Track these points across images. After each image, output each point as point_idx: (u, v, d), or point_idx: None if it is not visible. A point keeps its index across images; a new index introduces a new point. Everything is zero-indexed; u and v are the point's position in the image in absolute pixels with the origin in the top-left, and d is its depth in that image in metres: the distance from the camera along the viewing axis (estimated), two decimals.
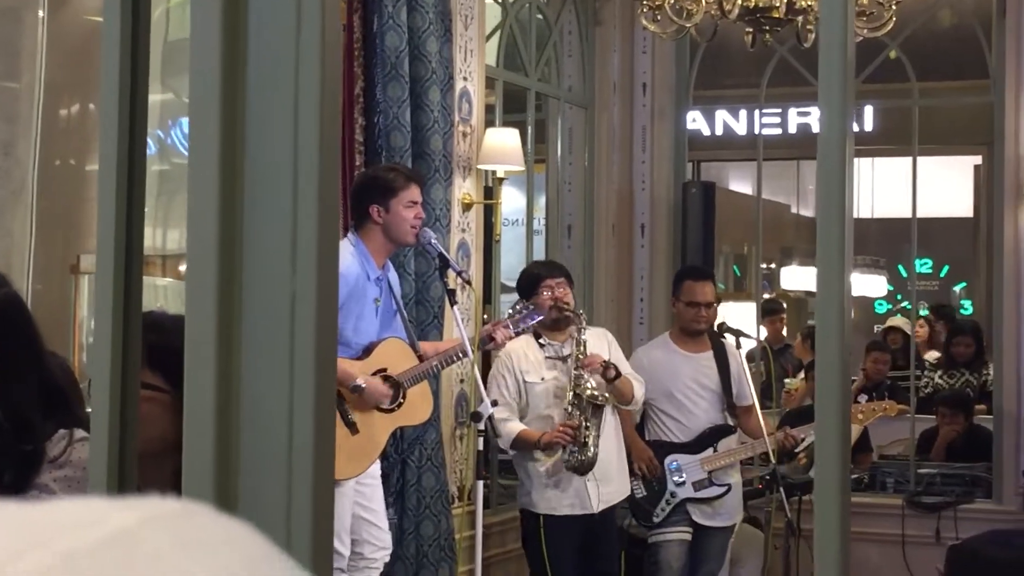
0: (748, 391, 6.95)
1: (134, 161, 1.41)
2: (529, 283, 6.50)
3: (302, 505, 1.27)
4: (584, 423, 6.31)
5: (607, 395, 6.39)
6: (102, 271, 1.39)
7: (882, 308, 15.94)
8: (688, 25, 5.80)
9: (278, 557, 0.64)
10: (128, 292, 1.41)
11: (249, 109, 1.30)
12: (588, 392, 6.29)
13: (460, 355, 5.66)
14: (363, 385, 5.25)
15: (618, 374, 6.43)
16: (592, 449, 6.32)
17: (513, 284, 10.32)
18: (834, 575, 1.28)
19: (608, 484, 6.51)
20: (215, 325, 1.28)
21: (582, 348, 6.40)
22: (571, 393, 6.34)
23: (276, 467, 1.27)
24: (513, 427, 6.33)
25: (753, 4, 5.63)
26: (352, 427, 5.28)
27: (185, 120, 7.11)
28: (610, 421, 6.51)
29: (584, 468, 6.34)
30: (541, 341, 6.48)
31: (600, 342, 6.59)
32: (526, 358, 6.44)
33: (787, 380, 10.09)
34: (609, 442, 6.48)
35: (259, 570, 0.62)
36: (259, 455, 1.28)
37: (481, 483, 5.81)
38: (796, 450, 7.28)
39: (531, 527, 6.46)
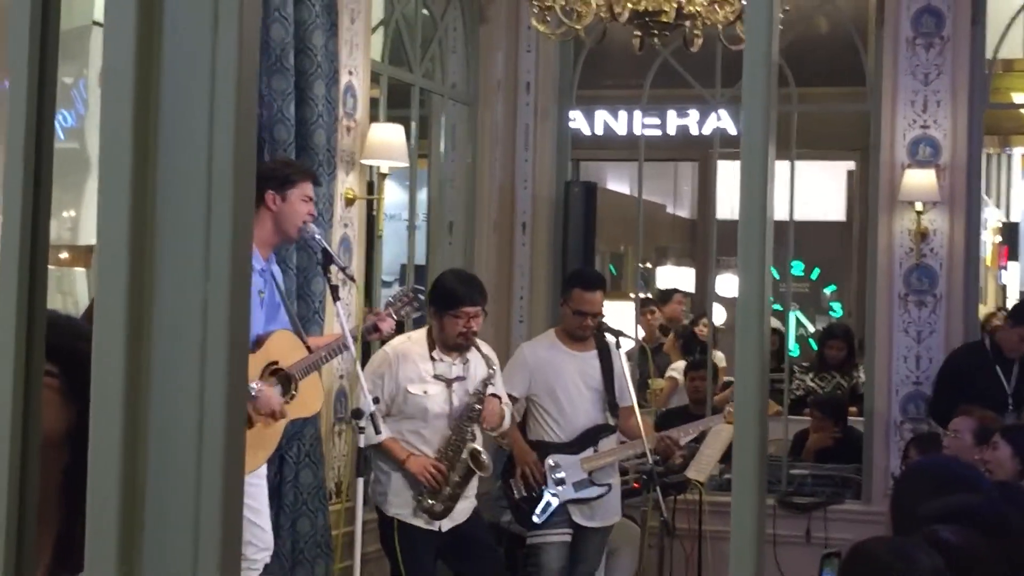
0: (628, 392, 6.98)
1: (42, 153, 1.37)
2: (447, 300, 6.34)
3: (211, 511, 1.25)
4: (453, 476, 6.30)
5: (485, 460, 6.38)
6: (7, 259, 1.35)
7: None
8: (578, 27, 5.81)
9: None
10: (33, 286, 1.37)
11: (163, 108, 1.27)
12: (468, 451, 6.28)
13: (343, 348, 5.62)
14: (256, 392, 5.19)
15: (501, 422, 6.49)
16: (444, 505, 6.30)
17: (394, 279, 10.28)
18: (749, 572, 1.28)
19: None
20: (124, 331, 1.24)
21: (480, 398, 6.37)
22: (451, 441, 6.33)
23: (185, 476, 1.25)
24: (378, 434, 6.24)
25: (643, 8, 5.66)
26: (248, 420, 5.21)
27: (64, 111, 6.96)
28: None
29: (433, 516, 6.31)
30: (434, 355, 6.37)
31: (482, 363, 6.51)
32: (415, 367, 6.32)
33: (650, 380, 10.09)
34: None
35: None
36: (167, 463, 1.25)
37: (361, 480, 5.77)
38: (681, 446, 7.31)
39: (386, 527, 6.40)
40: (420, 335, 6.42)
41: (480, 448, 6.37)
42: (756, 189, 1.29)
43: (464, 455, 6.30)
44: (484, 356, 6.48)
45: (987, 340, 8.06)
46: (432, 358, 6.35)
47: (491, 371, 6.44)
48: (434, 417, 6.33)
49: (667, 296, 11.54)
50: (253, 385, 5.17)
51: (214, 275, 1.26)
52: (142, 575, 1.24)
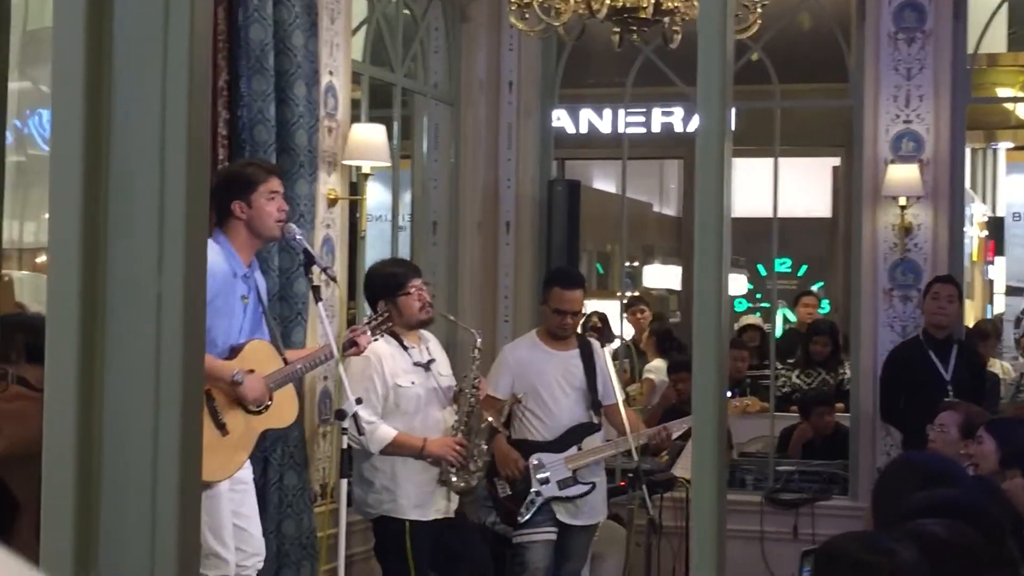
0: (613, 390, 6.97)
1: None
2: (393, 284, 6.34)
3: (167, 515, 1.23)
4: (480, 445, 6.33)
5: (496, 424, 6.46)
6: None
7: (741, 306, 16.17)
8: (556, 24, 5.80)
9: None
10: None
11: (115, 103, 1.25)
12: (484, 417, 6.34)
13: (324, 357, 5.62)
14: (241, 379, 5.18)
15: None
16: (476, 477, 6.35)
17: None
18: (711, 568, 1.27)
19: None
20: (77, 327, 1.23)
21: (475, 368, 6.44)
22: (465, 414, 6.35)
23: (140, 478, 1.23)
24: (386, 432, 6.18)
25: (621, 4, 5.65)
26: (222, 428, 5.21)
27: (44, 111, 6.98)
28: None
29: (467, 492, 6.33)
30: (405, 344, 6.37)
31: (440, 350, 6.63)
32: (395, 362, 6.30)
33: (628, 389, 10.03)
34: None
35: None
36: (122, 465, 1.23)
37: (345, 481, 5.75)
38: (673, 437, 7.26)
39: (394, 533, 6.28)
40: (385, 338, 6.36)
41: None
42: (712, 188, 1.28)
43: (482, 422, 6.32)
44: (450, 320, 6.56)
45: (921, 333, 8.09)
46: (404, 347, 6.36)
47: (475, 333, 6.56)
48: (427, 403, 6.34)
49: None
50: (239, 376, 5.16)
51: (167, 270, 1.24)
52: None
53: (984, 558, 2.91)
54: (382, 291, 6.34)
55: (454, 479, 6.30)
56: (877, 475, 8.12)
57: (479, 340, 6.54)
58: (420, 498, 6.30)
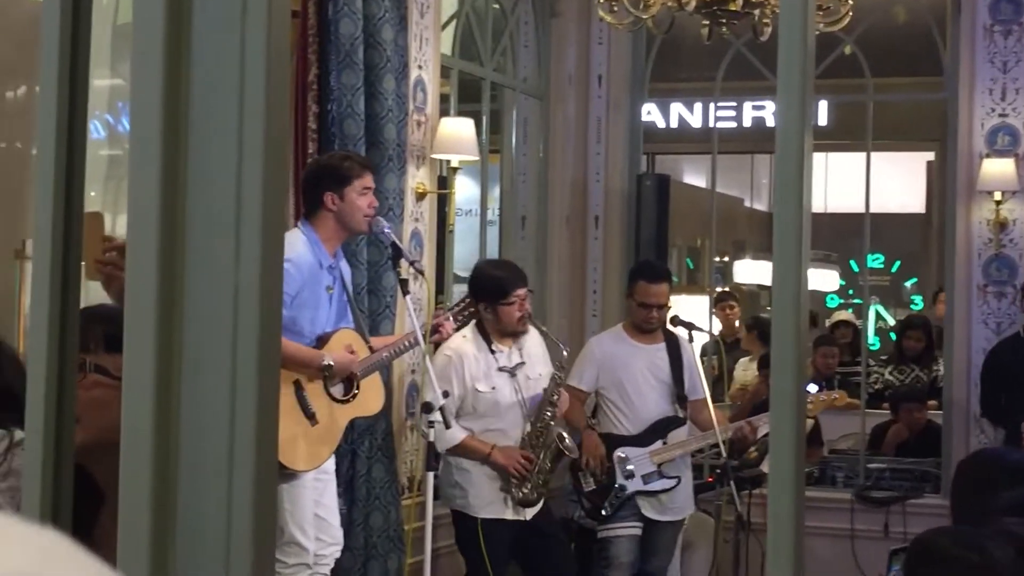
0: (700, 384, 6.93)
1: (73, 148, 1.37)
2: (497, 290, 6.28)
3: (243, 503, 1.24)
4: (544, 462, 6.30)
5: (570, 443, 6.40)
6: (39, 258, 1.35)
7: (833, 303, 16.02)
8: (645, 17, 5.78)
9: None
10: (66, 280, 1.37)
11: (193, 95, 1.26)
12: (556, 435, 6.30)
13: (409, 343, 5.63)
14: (332, 363, 5.22)
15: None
16: (537, 492, 6.30)
17: (466, 274, 10.26)
18: (787, 568, 1.25)
19: None
20: (155, 318, 1.23)
21: (558, 382, 6.39)
22: (536, 428, 6.32)
23: (216, 469, 1.23)
24: (455, 433, 6.15)
25: None
26: (312, 418, 5.25)
27: None
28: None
29: (527, 504, 6.29)
30: (493, 348, 6.32)
31: (539, 345, 6.55)
32: (477, 365, 6.27)
33: (736, 373, 9.96)
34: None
35: None
36: (199, 454, 1.24)
37: (431, 474, 5.76)
38: (758, 437, 7.18)
39: (469, 530, 6.29)
40: (472, 332, 6.33)
41: (564, 432, 6.37)
42: (792, 183, 1.26)
43: (551, 439, 6.30)
44: (540, 332, 6.47)
45: (1022, 329, 7.97)
46: (492, 351, 6.33)
47: (562, 347, 6.46)
48: (506, 409, 6.31)
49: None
50: (327, 360, 5.21)
51: (244, 262, 1.24)
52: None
53: None
54: (485, 294, 6.31)
55: (513, 490, 6.28)
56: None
57: (565, 354, 6.47)
58: (492, 496, 6.29)
